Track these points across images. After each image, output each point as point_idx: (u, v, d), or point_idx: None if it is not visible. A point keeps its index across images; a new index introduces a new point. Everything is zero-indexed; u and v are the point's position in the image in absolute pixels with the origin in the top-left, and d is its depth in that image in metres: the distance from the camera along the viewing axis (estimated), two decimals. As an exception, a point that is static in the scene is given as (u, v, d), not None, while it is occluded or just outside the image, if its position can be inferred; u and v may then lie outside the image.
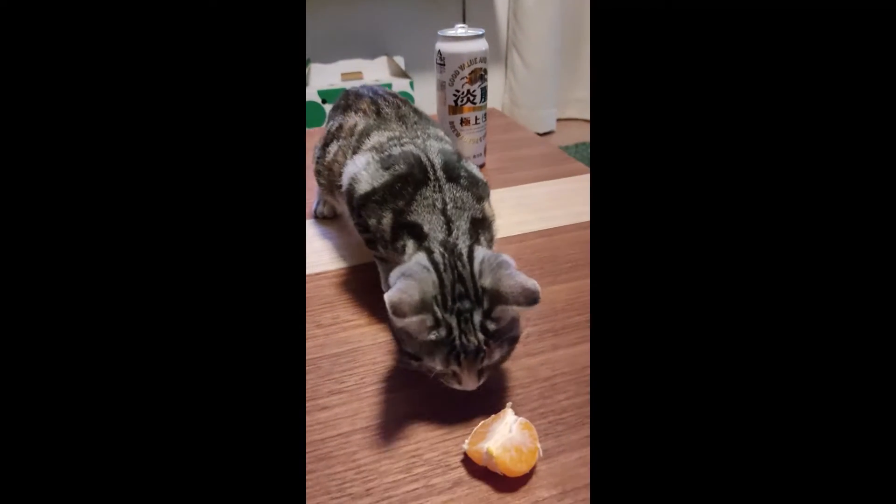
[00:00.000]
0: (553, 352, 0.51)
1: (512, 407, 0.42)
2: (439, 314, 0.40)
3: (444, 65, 0.83)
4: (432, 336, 0.40)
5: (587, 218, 0.73)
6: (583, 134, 2.54)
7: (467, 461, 0.40)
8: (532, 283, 0.39)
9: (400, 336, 0.43)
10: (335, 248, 0.68)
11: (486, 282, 0.41)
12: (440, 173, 0.49)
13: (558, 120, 2.63)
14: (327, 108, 1.95)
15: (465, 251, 0.44)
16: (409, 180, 0.49)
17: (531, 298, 0.39)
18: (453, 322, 0.40)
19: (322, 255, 0.67)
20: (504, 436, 0.39)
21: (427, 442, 0.42)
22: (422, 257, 0.44)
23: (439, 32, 0.83)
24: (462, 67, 0.82)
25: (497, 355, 0.42)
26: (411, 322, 0.39)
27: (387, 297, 0.39)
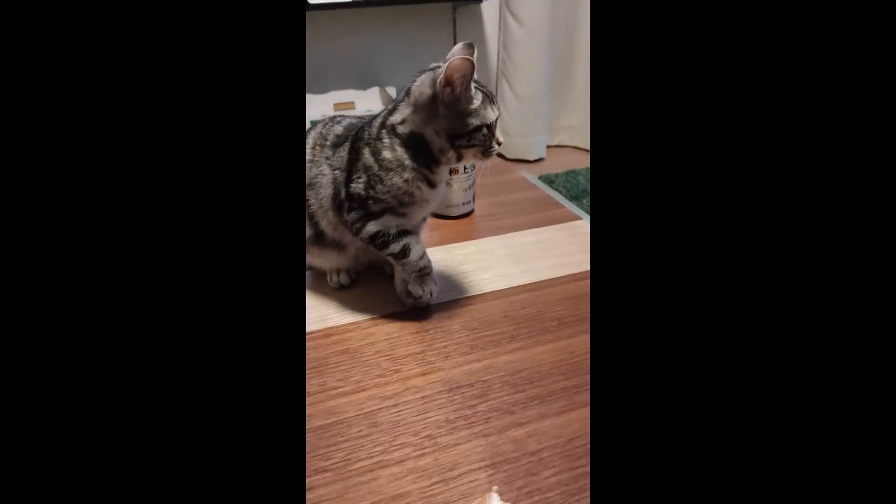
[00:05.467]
0: (540, 421, 0.50)
1: (497, 489, 0.41)
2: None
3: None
4: (477, 98, 0.58)
5: (576, 269, 0.74)
6: (572, 161, 2.56)
7: (453, 548, 0.40)
8: None
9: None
10: (318, 307, 0.68)
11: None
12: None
13: (548, 147, 2.65)
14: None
15: None
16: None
17: None
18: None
19: (308, 313, 0.66)
20: (489, 523, 0.39)
21: (412, 525, 0.42)
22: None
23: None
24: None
25: None
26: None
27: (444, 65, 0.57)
